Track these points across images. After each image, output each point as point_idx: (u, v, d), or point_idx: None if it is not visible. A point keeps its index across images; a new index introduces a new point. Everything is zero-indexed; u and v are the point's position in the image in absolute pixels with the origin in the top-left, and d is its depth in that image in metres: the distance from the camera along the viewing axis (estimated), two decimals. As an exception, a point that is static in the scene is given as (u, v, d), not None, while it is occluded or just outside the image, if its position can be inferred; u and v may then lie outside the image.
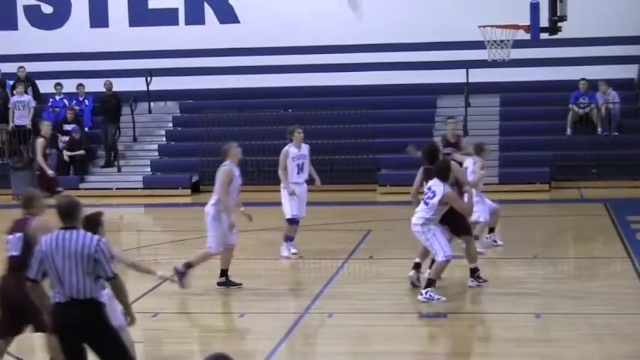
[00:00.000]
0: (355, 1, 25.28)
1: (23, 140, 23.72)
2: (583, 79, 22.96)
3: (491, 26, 17.45)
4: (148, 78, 24.77)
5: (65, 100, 24.87)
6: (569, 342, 10.10)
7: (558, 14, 17.20)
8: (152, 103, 25.34)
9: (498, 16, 18.36)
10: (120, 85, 24.38)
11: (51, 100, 24.94)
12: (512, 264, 14.02)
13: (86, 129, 24.57)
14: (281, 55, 25.01)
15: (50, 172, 19.64)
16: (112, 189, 23.08)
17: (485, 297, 12.27)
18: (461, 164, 13.74)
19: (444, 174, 11.77)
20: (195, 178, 23.30)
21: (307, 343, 10.68)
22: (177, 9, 25.98)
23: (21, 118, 23.96)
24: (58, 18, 26.36)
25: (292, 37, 24.95)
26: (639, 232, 15.88)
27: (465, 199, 12.22)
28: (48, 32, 26.32)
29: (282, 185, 14.63)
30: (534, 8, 16.72)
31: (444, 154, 14.55)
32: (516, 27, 17.24)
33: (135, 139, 24.69)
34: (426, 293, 11.73)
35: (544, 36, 17.26)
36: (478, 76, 23.17)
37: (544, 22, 17.13)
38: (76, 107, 24.67)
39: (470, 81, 23.53)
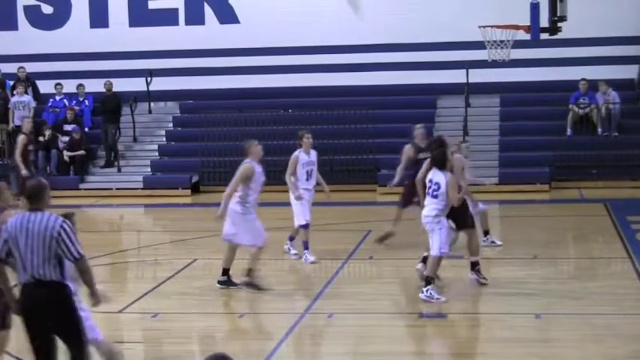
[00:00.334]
0: (355, 1, 25.29)
1: (23, 140, 23.70)
2: (583, 79, 22.96)
3: (492, 26, 17.45)
4: (148, 78, 24.77)
5: (65, 101, 24.87)
6: (569, 342, 10.10)
7: (558, 14, 17.21)
8: (152, 104, 25.35)
9: (498, 16, 18.37)
10: (120, 85, 24.39)
11: (51, 100, 24.94)
12: (512, 264, 14.02)
13: (86, 129, 24.57)
14: (281, 55, 25.01)
15: (24, 172, 19.55)
16: (112, 189, 23.08)
17: (485, 297, 12.28)
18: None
19: (441, 162, 11.83)
20: (195, 179, 23.30)
21: (307, 344, 10.68)
22: (177, 9, 25.98)
23: (21, 118, 23.93)
24: (58, 18, 26.36)
25: (292, 37, 24.95)
26: (639, 233, 15.88)
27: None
28: (48, 32, 26.32)
29: (290, 191, 14.45)
30: (534, 8, 16.73)
31: (421, 160, 14.71)
32: (516, 27, 17.24)
33: (135, 140, 24.70)
34: (426, 291, 11.74)
35: (544, 36, 17.27)
36: (478, 76, 23.17)
37: (544, 22, 17.14)
38: (76, 107, 24.67)
39: (470, 81, 23.53)
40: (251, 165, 12.55)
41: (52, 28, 26.35)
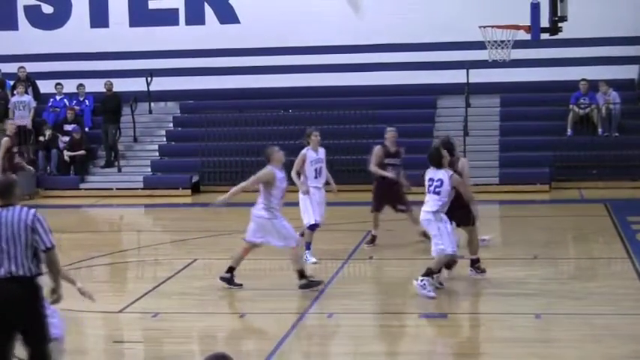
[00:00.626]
0: (356, 1, 25.29)
1: (24, 140, 23.72)
2: (583, 79, 22.97)
3: (492, 26, 17.45)
4: (149, 78, 24.78)
5: (65, 100, 24.89)
6: (569, 342, 10.09)
7: (559, 14, 17.21)
8: (152, 104, 25.36)
9: (499, 16, 18.36)
10: (120, 85, 24.40)
11: (51, 100, 24.95)
12: (513, 264, 14.01)
13: (86, 129, 24.58)
14: (281, 55, 25.02)
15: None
16: (112, 189, 23.09)
17: (485, 297, 12.29)
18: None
19: (437, 161, 11.92)
20: (195, 179, 23.31)
21: (307, 344, 10.68)
22: (177, 9, 26.00)
23: (21, 118, 23.95)
24: (59, 18, 26.37)
25: (293, 37, 24.96)
26: (639, 233, 15.88)
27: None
28: (48, 32, 26.34)
29: (300, 192, 14.34)
30: (535, 8, 16.73)
31: (387, 166, 14.76)
32: (517, 27, 17.24)
33: (135, 140, 24.70)
34: (421, 281, 11.79)
35: (544, 36, 17.26)
36: (478, 76, 23.18)
37: (544, 22, 17.14)
38: (77, 107, 24.69)
39: (470, 81, 23.54)
40: (272, 170, 12.41)
41: (53, 28, 26.36)
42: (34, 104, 24.34)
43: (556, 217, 19.01)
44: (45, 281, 7.97)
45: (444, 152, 12.12)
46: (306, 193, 14.19)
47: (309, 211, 14.16)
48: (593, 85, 22.90)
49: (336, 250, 15.13)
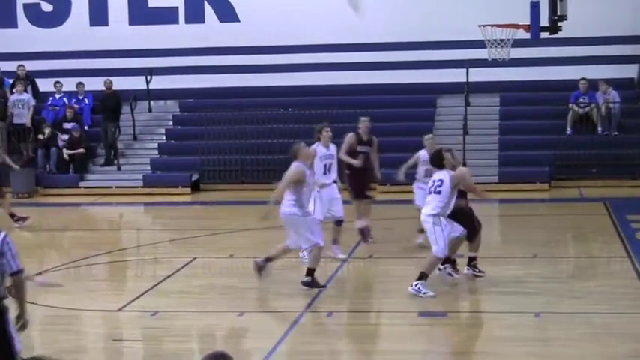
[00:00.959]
0: (356, 0, 25.28)
1: (23, 139, 23.72)
2: (583, 78, 22.97)
3: (492, 25, 17.43)
4: (148, 76, 24.78)
5: (65, 99, 24.88)
6: (568, 341, 10.10)
7: (558, 14, 17.18)
8: (152, 102, 25.35)
9: (498, 15, 18.35)
10: (120, 83, 24.39)
11: (50, 98, 24.95)
12: (512, 263, 14.02)
13: (86, 127, 24.57)
14: (281, 53, 25.02)
15: None
16: (111, 187, 23.08)
17: (484, 296, 12.29)
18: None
19: (438, 162, 12.07)
20: (195, 177, 23.31)
21: (306, 342, 10.68)
22: (177, 7, 25.99)
23: (21, 116, 23.96)
24: (58, 16, 26.36)
25: (292, 35, 24.95)
26: (639, 232, 15.88)
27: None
28: (48, 31, 26.33)
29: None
30: (534, 7, 16.71)
31: (359, 153, 14.79)
32: (516, 26, 17.22)
33: (135, 138, 24.70)
34: (415, 285, 11.84)
35: (544, 35, 17.24)
36: (478, 75, 23.17)
37: (544, 21, 17.11)
38: (76, 106, 24.67)
39: (470, 80, 23.54)
40: (302, 168, 12.37)
41: (52, 26, 26.36)
42: (33, 102, 24.33)
43: (555, 216, 19.01)
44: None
45: (447, 155, 12.15)
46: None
47: (317, 208, 14.06)
48: (593, 84, 22.90)
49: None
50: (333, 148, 14.44)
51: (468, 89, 23.61)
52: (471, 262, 12.77)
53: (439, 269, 12.55)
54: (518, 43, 17.83)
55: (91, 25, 26.27)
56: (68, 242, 17.93)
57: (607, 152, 22.01)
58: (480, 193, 12.49)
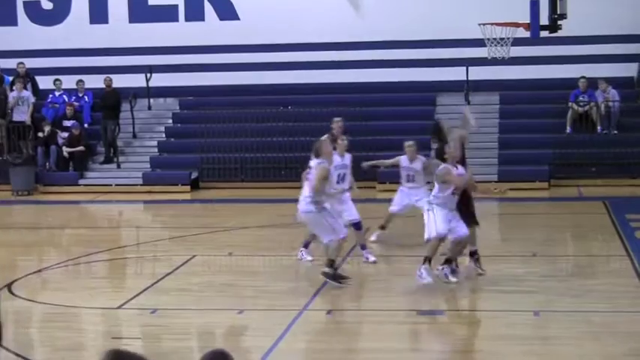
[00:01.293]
0: (356, -2, 25.29)
1: (22, 136, 23.72)
2: (583, 77, 22.96)
3: (491, 24, 17.43)
4: (148, 74, 24.76)
5: (64, 96, 24.87)
6: (568, 340, 10.10)
7: (558, 12, 17.18)
8: (152, 100, 25.34)
9: (498, 13, 18.36)
10: (119, 81, 24.37)
11: (50, 96, 24.94)
12: (511, 261, 14.02)
13: (85, 125, 24.56)
14: (281, 51, 25.01)
15: None
16: (111, 185, 23.06)
17: (483, 294, 12.29)
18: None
19: (440, 157, 12.50)
20: (194, 175, 23.30)
21: (306, 340, 10.68)
22: (177, 5, 25.96)
23: (20, 114, 23.95)
24: (58, 14, 26.34)
25: (292, 33, 24.94)
26: (638, 231, 15.87)
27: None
28: (48, 28, 26.31)
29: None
30: (534, 6, 16.71)
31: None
32: (516, 25, 17.22)
33: (134, 136, 24.69)
34: (418, 270, 12.07)
35: (544, 34, 17.24)
36: (478, 73, 23.16)
37: (544, 20, 17.11)
38: (76, 103, 24.67)
39: (470, 78, 23.53)
40: (326, 165, 12.37)
41: (52, 24, 26.33)
42: (33, 100, 24.32)
43: (555, 214, 19.02)
44: None
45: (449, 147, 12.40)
46: None
47: (350, 207, 14.07)
48: (593, 83, 22.89)
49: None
50: (348, 157, 14.28)
51: (467, 87, 23.61)
52: (473, 255, 12.80)
53: (437, 269, 12.54)
54: (518, 42, 17.83)
55: (91, 22, 26.24)
56: (68, 240, 17.93)
57: (606, 151, 22.00)
58: (460, 183, 12.45)
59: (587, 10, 21.99)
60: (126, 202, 21.75)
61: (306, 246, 14.11)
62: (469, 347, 10.36)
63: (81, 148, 23.51)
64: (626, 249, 14.46)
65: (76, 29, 26.05)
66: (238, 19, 25.71)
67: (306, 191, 12.35)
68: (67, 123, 23.92)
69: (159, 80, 24.93)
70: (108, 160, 23.91)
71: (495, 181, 21.00)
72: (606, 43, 23.89)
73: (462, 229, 12.18)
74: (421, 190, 14.80)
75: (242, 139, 23.31)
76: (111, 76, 24.27)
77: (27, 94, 24.22)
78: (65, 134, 23.70)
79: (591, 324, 10.66)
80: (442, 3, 24.51)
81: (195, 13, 25.86)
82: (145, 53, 25.31)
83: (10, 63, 24.98)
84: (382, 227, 15.41)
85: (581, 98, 22.93)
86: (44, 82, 25.09)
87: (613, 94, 22.72)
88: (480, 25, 17.62)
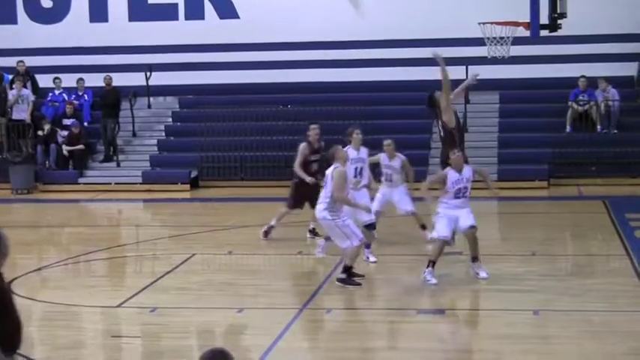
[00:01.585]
0: (355, -3, 25.29)
1: (22, 135, 23.71)
2: (583, 76, 22.96)
3: (491, 23, 17.43)
4: (148, 73, 24.76)
5: (64, 95, 24.87)
6: (567, 339, 10.10)
7: (558, 11, 17.19)
8: (151, 98, 25.34)
9: (498, 13, 18.36)
10: (119, 79, 24.37)
11: (50, 94, 24.93)
12: (511, 260, 14.02)
13: (85, 124, 24.56)
14: (281, 50, 25.01)
15: None
16: (111, 184, 23.06)
17: (483, 293, 12.29)
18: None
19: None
20: (194, 174, 23.30)
21: (305, 339, 10.69)
22: (176, 4, 25.97)
23: (20, 112, 23.94)
24: (58, 12, 26.34)
25: (292, 32, 24.94)
26: (638, 230, 15.87)
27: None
28: (47, 27, 26.31)
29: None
30: (534, 5, 16.71)
31: (312, 162, 15.17)
32: (516, 24, 17.21)
33: (134, 134, 24.69)
34: (423, 272, 12.32)
35: (544, 33, 17.25)
36: (478, 72, 23.09)
37: (544, 19, 17.12)
38: (75, 102, 24.67)
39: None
40: (342, 169, 12.39)
41: (52, 22, 26.34)
42: (32, 98, 24.31)
43: (554, 213, 19.01)
44: None
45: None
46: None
47: (375, 201, 14.26)
48: (593, 82, 22.89)
49: (335, 245, 15.10)
50: (363, 151, 14.35)
51: (467, 86, 23.55)
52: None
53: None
54: (518, 41, 17.83)
55: (91, 21, 26.25)
56: (67, 238, 17.93)
57: (606, 150, 22.00)
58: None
59: (587, 10, 21.99)
60: (125, 200, 21.75)
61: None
62: (468, 346, 10.36)
63: (81, 146, 23.51)
64: (626, 248, 14.46)
65: (75, 28, 26.06)
66: (238, 17, 25.71)
67: (322, 195, 12.38)
68: (67, 121, 23.92)
69: (159, 79, 24.93)
70: (108, 159, 23.91)
71: (495, 181, 20.98)
72: (606, 43, 23.89)
73: (464, 224, 12.40)
74: (399, 189, 14.78)
75: (242, 137, 23.31)
76: (111, 74, 24.26)
77: (27, 92, 24.22)
78: (65, 133, 23.70)
79: (591, 323, 10.66)
80: (442, 2, 24.52)
81: (195, 12, 25.86)
82: (145, 52, 25.31)
83: (10, 61, 24.98)
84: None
85: (580, 97, 22.93)
86: (44, 81, 25.09)
87: (613, 93, 22.71)
88: (479, 24, 17.62)
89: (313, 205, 14.99)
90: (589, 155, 21.97)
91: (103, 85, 24.17)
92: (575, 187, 21.46)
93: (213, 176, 23.22)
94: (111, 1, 26.20)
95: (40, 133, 23.78)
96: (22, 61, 24.79)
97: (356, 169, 14.05)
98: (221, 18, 25.80)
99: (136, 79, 24.70)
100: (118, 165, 23.77)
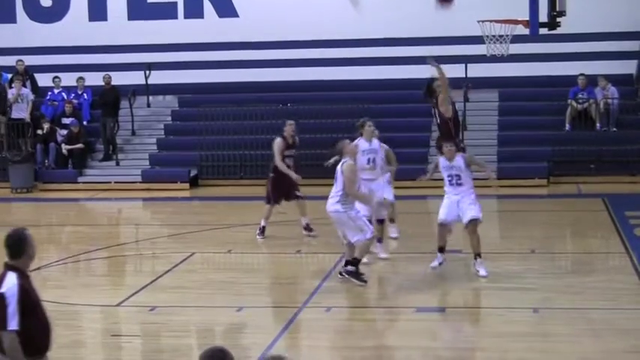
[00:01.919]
0: (355, -4, 25.28)
1: (21, 134, 23.71)
2: (582, 74, 22.95)
3: (490, 21, 17.41)
4: (147, 72, 24.75)
5: (64, 94, 24.86)
6: (567, 337, 10.11)
7: (557, 9, 17.15)
8: (151, 97, 25.33)
9: (497, 11, 18.33)
10: (119, 78, 24.35)
11: (49, 93, 24.92)
12: (510, 259, 14.02)
13: (85, 122, 24.54)
14: (280, 49, 25.00)
15: None
16: (110, 183, 23.05)
17: (483, 291, 12.30)
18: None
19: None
20: (193, 172, 23.29)
21: (305, 338, 10.69)
22: (176, 3, 25.96)
23: (19, 111, 23.93)
24: (57, 11, 26.33)
25: (291, 31, 24.92)
26: (637, 228, 15.88)
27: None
28: (47, 25, 26.29)
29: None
30: (533, 3, 16.69)
31: (286, 157, 15.49)
32: (515, 22, 17.20)
33: (133, 133, 24.67)
34: (433, 262, 12.79)
35: (543, 31, 17.22)
36: (477, 71, 23.14)
37: (543, 17, 17.10)
38: (75, 101, 24.66)
39: (469, 76, 23.49)
40: (351, 162, 12.45)
41: (51, 21, 26.32)
42: (32, 97, 24.30)
43: (554, 211, 19.00)
44: None
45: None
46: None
47: (387, 190, 14.16)
48: (592, 80, 22.88)
49: (334, 244, 15.10)
50: (375, 142, 14.32)
51: (466, 85, 23.58)
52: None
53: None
54: (517, 39, 17.80)
55: (90, 20, 26.24)
56: (67, 237, 17.94)
57: (606, 148, 21.99)
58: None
59: (586, 7, 21.97)
60: (125, 199, 21.75)
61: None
62: (468, 344, 10.36)
63: (80, 145, 23.50)
64: (625, 246, 14.47)
65: (75, 26, 26.04)
66: (237, 16, 25.70)
67: (334, 190, 12.37)
68: (66, 120, 23.91)
69: (158, 77, 24.91)
70: (107, 158, 23.90)
71: (495, 178, 20.99)
72: (605, 41, 23.87)
73: (465, 217, 12.50)
74: (380, 181, 14.23)
75: (241, 136, 23.30)
76: (110, 73, 24.24)
77: (26, 91, 24.21)
78: (64, 132, 23.69)
79: (590, 321, 10.66)
80: (441, 0, 24.51)
81: (194, 11, 25.85)
82: (144, 50, 25.30)
83: (9, 60, 24.97)
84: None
85: (580, 95, 22.92)
86: (43, 80, 25.08)
87: (612, 91, 22.71)
88: (479, 22, 17.60)
89: (289, 197, 15.50)
90: (588, 153, 21.96)
91: (103, 84, 24.15)
92: (575, 185, 21.45)
93: (212, 175, 23.21)
94: (110, 0, 26.19)
95: (39, 132, 23.77)
96: (21, 60, 24.78)
97: (368, 159, 14.00)
98: (220, 17, 25.79)
99: (136, 78, 24.69)
100: (118, 164, 23.76)
